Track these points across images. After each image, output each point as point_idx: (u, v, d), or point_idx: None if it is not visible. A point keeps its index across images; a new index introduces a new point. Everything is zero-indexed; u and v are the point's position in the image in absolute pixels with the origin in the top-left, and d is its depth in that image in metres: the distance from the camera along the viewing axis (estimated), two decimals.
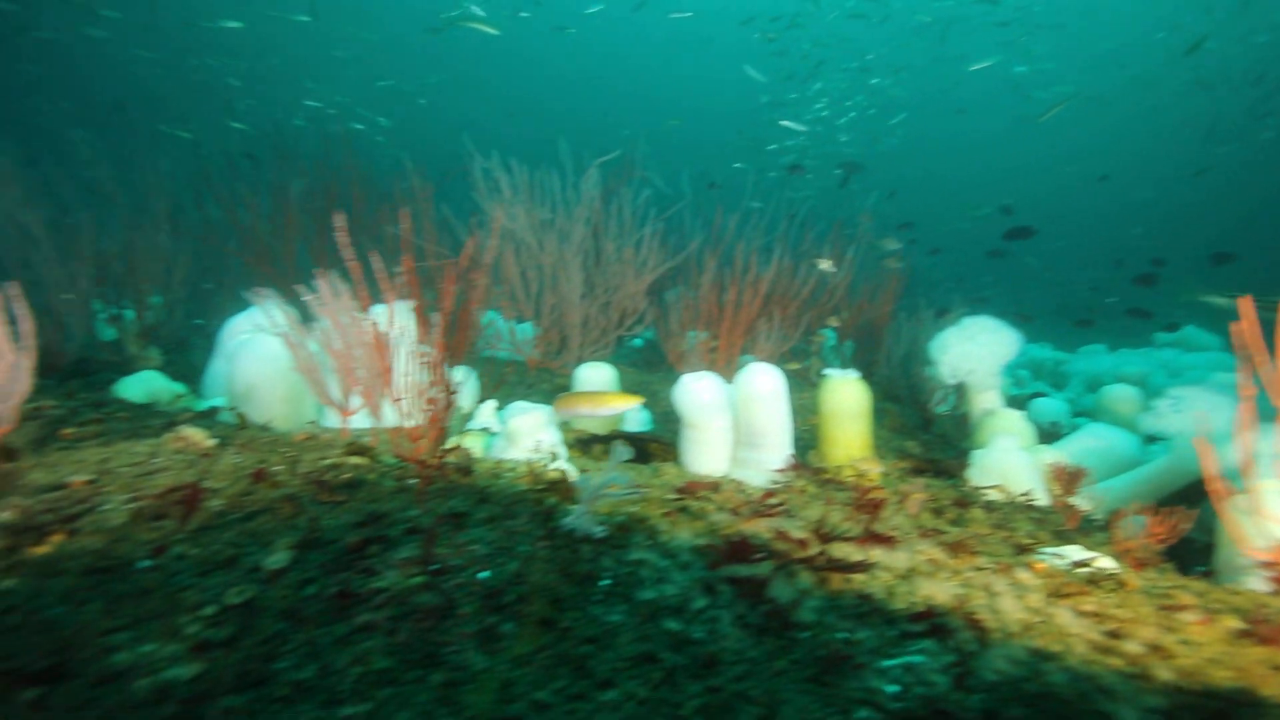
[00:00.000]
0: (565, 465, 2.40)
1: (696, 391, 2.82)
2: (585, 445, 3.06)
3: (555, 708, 0.97)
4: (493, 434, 2.77)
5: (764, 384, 2.77)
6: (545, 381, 4.39)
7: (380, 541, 1.35)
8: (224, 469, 1.74)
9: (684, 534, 1.50)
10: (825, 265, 4.28)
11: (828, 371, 3.10)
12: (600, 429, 3.46)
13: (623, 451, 1.53)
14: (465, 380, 3.39)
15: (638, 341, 6.15)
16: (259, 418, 2.78)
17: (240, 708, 0.95)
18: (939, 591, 1.25)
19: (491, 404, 3.52)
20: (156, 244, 3.40)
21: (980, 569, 1.42)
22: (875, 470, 2.88)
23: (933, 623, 1.12)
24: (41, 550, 1.31)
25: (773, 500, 1.80)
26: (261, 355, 2.91)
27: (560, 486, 1.70)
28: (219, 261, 4.78)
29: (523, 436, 2.58)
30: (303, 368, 2.18)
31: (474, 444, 2.72)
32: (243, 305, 4.86)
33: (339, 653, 1.06)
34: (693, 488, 1.91)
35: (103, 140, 3.14)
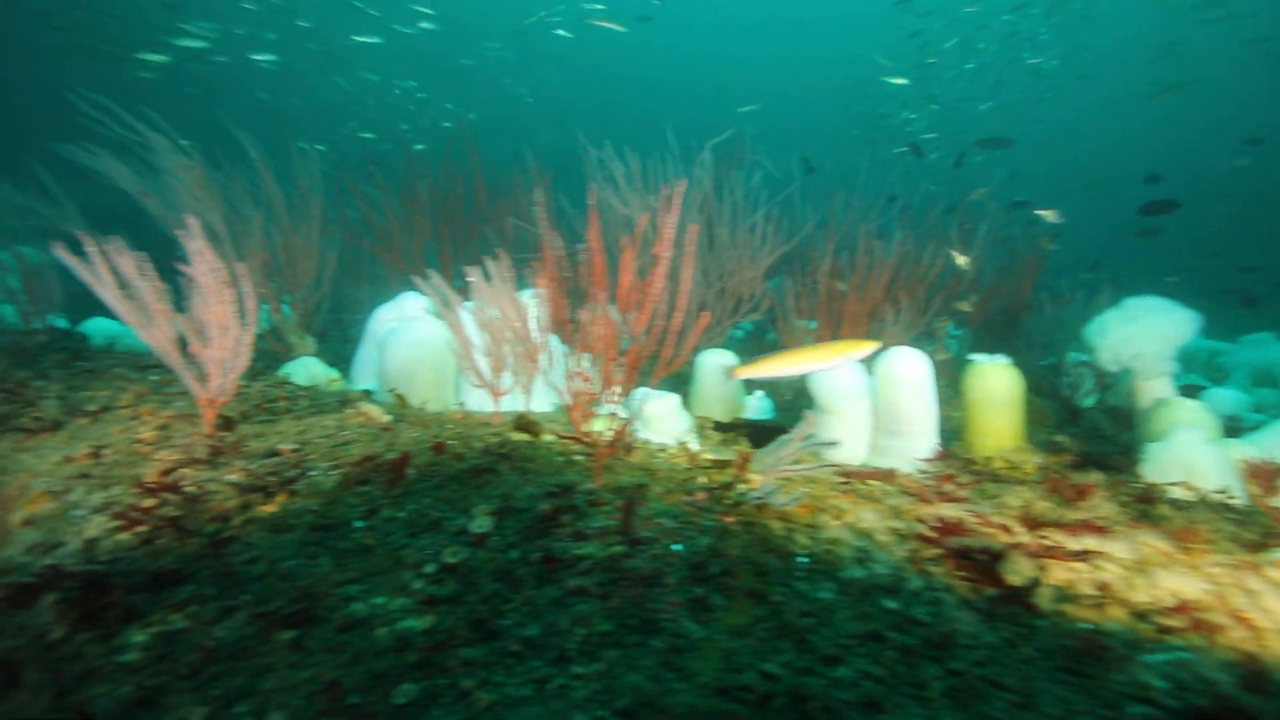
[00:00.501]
0: (700, 448, 2.37)
1: (836, 377, 2.71)
2: (708, 432, 3.03)
3: (783, 680, 0.94)
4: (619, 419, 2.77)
5: (910, 369, 2.63)
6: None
7: (571, 511, 1.37)
8: (405, 442, 1.84)
9: (869, 514, 1.43)
10: (962, 261, 4.02)
11: (975, 357, 2.90)
12: (723, 415, 3.41)
13: (809, 421, 1.49)
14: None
15: (738, 332, 6.05)
16: (411, 399, 2.94)
17: (478, 659, 0.99)
18: (1185, 586, 1.12)
19: (614, 389, 3.54)
20: (310, 243, 3.67)
21: (1220, 565, 1.26)
22: (1031, 462, 2.67)
23: (1193, 618, 1.00)
24: (269, 509, 1.43)
25: (950, 486, 1.70)
26: (413, 341, 3.08)
27: (733, 463, 1.68)
28: (354, 258, 5.12)
29: (658, 421, 2.58)
30: (461, 350, 2.27)
31: (601, 427, 2.75)
32: (379, 297, 5.18)
33: (558, 613, 1.08)
34: (860, 473, 1.83)
35: (263, 149, 3.42)
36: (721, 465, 1.80)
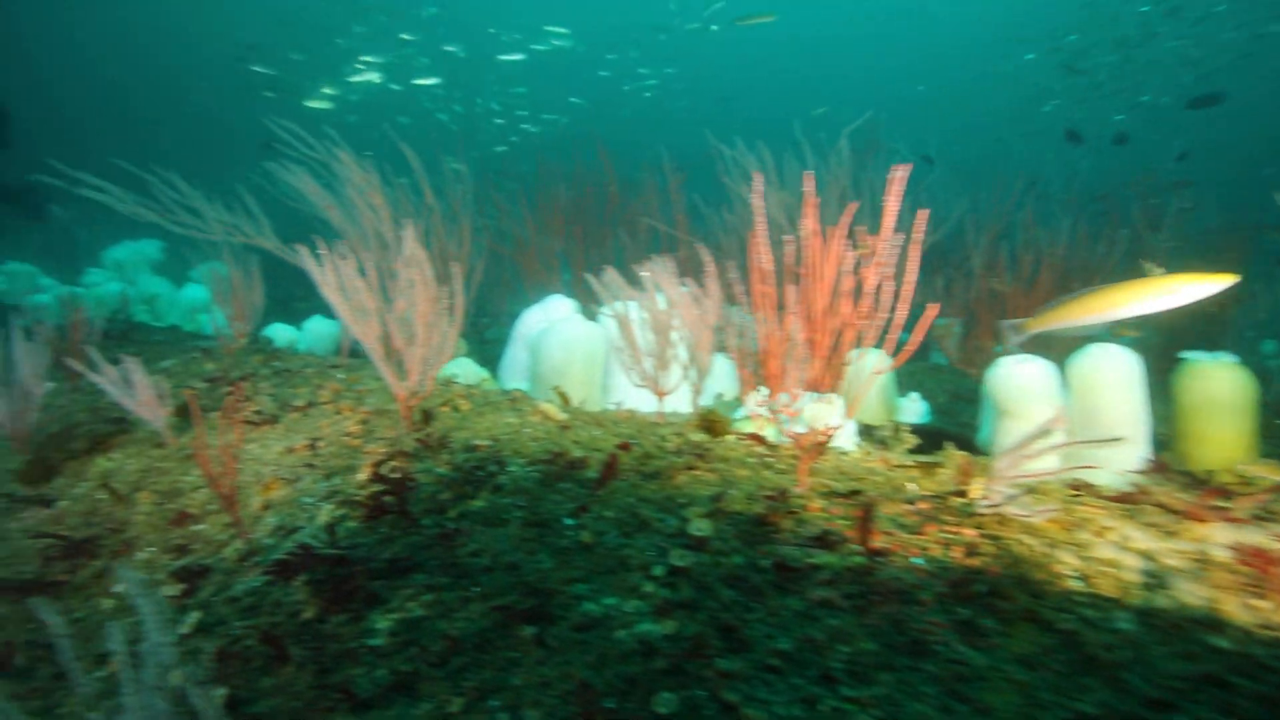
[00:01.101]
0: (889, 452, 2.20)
1: (1020, 376, 2.45)
2: (881, 436, 2.84)
3: None
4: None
5: (1117, 366, 2.33)
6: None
7: (789, 516, 1.29)
8: (587, 439, 1.84)
9: (1135, 533, 1.24)
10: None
11: (1190, 355, 2.53)
12: (876, 419, 3.20)
13: (1050, 417, 1.32)
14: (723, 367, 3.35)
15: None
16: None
17: (736, 672, 0.93)
18: None
19: (763, 391, 3.43)
20: (462, 250, 3.86)
21: None
22: (1273, 478, 2.28)
23: None
24: (478, 503, 1.45)
25: (1218, 502, 1.45)
26: (565, 341, 3.13)
27: (943, 466, 1.53)
28: (490, 264, 5.35)
29: (819, 423, 2.44)
30: (627, 348, 2.26)
31: (769, 432, 2.64)
32: (516, 302, 5.37)
33: (808, 626, 1.00)
34: (1084, 486, 1.61)
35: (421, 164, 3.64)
36: (928, 469, 1.64)
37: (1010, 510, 1.28)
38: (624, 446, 1.72)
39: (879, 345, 1.83)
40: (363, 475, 1.61)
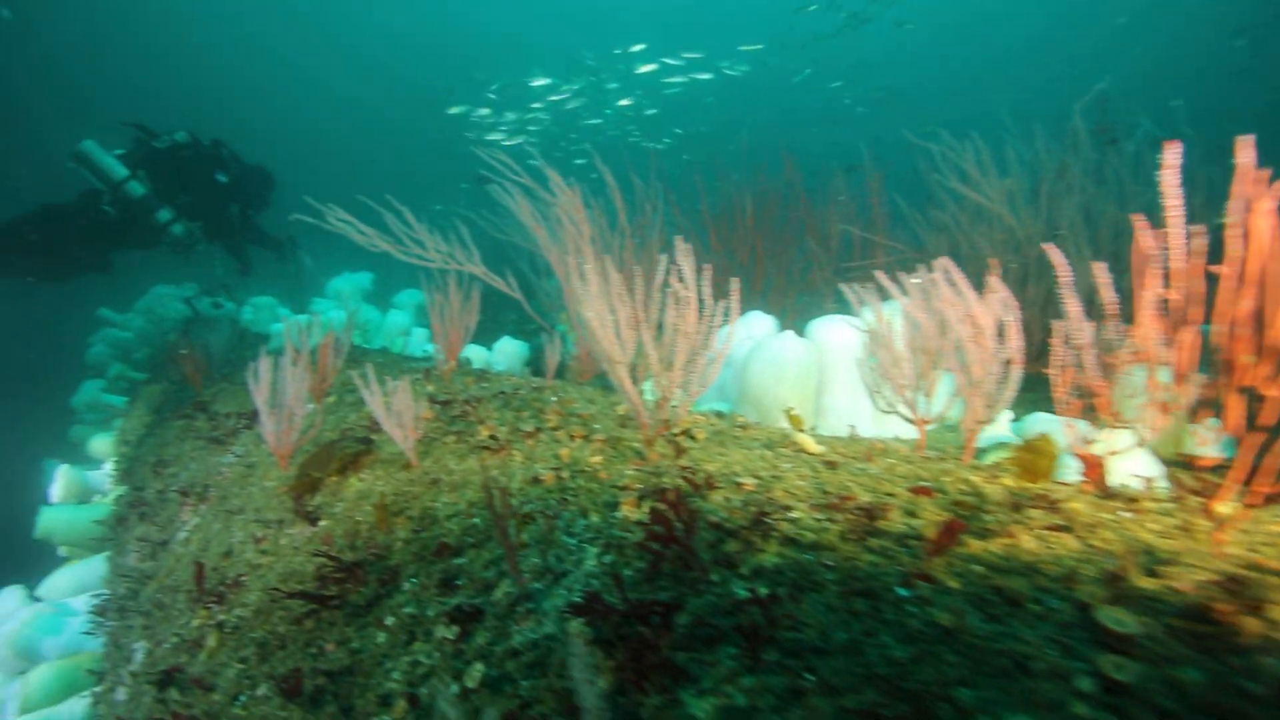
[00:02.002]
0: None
1: None
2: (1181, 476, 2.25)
3: None
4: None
5: None
6: (1035, 389, 3.60)
7: (1250, 608, 0.91)
8: (864, 480, 1.55)
9: None
10: None
11: None
12: (1162, 451, 2.57)
13: None
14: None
15: None
16: (764, 421, 2.72)
17: None
18: None
19: (1006, 415, 2.94)
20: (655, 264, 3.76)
21: None
22: None
23: None
24: (769, 556, 1.23)
25: None
26: (774, 359, 2.88)
27: None
28: None
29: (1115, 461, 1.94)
30: (885, 367, 1.95)
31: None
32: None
33: None
34: None
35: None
36: None
37: None
38: (922, 491, 1.42)
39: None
40: (626, 513, 1.46)
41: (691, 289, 1.53)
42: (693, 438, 1.94)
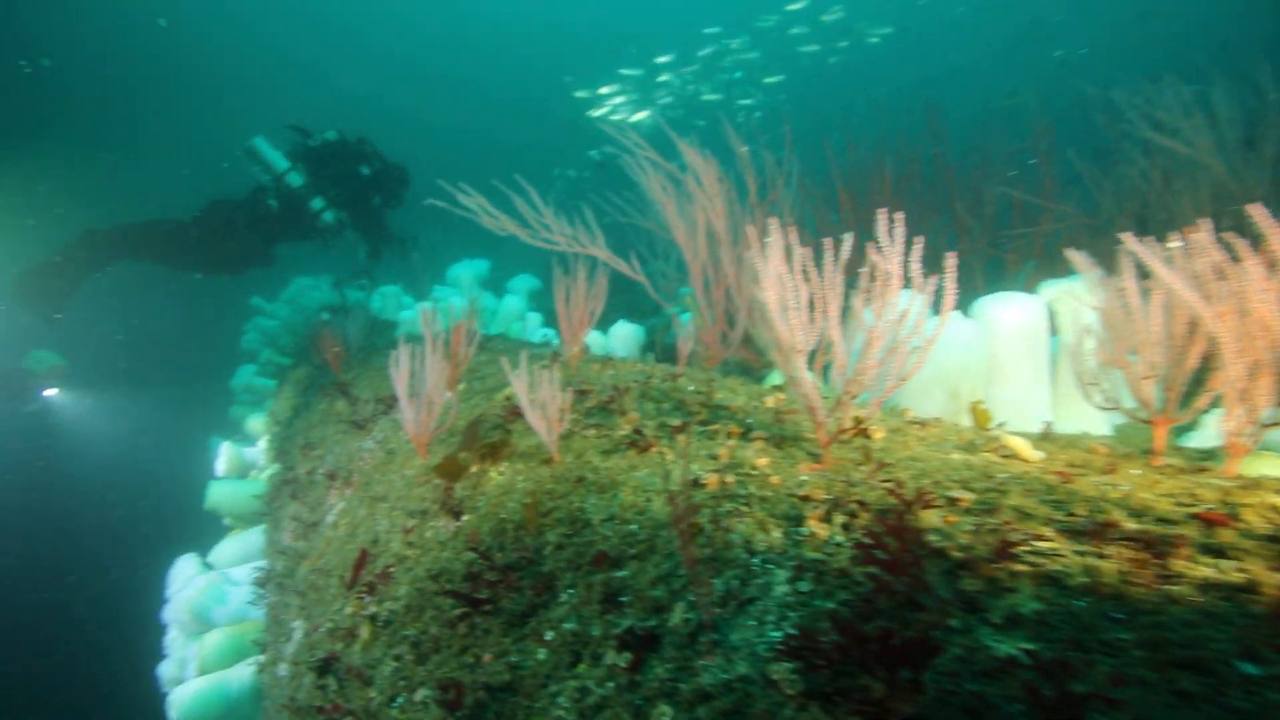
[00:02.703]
0: None
1: None
2: None
3: None
4: None
5: None
6: None
7: None
8: (1115, 497, 1.24)
9: None
10: None
11: None
12: None
13: None
14: None
15: None
16: (918, 413, 2.40)
17: None
18: None
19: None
20: None
21: None
22: None
23: None
24: (1028, 602, 0.97)
25: None
26: (960, 345, 2.54)
27: None
28: None
29: None
30: (1107, 352, 1.59)
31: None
32: None
33: None
34: None
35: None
36: None
37: None
38: (1216, 519, 1.10)
39: None
40: (814, 529, 1.25)
41: (895, 263, 1.27)
42: (869, 437, 1.68)
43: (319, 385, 5.06)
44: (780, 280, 1.34)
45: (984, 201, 3.93)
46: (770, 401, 2.21)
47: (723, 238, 3.11)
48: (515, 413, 2.40)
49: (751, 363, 3.72)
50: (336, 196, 6.88)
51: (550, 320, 6.79)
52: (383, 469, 2.67)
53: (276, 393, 6.44)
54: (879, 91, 4.50)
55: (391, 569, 1.98)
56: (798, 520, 1.30)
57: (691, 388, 2.46)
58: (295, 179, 6.71)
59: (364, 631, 1.84)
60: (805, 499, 1.36)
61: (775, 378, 3.10)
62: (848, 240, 1.39)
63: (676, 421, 2.00)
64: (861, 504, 1.26)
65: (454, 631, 1.56)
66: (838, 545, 1.18)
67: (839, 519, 1.26)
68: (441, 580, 1.75)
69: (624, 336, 4.91)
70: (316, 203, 6.76)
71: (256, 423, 6.48)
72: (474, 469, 2.17)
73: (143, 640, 4.33)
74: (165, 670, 3.42)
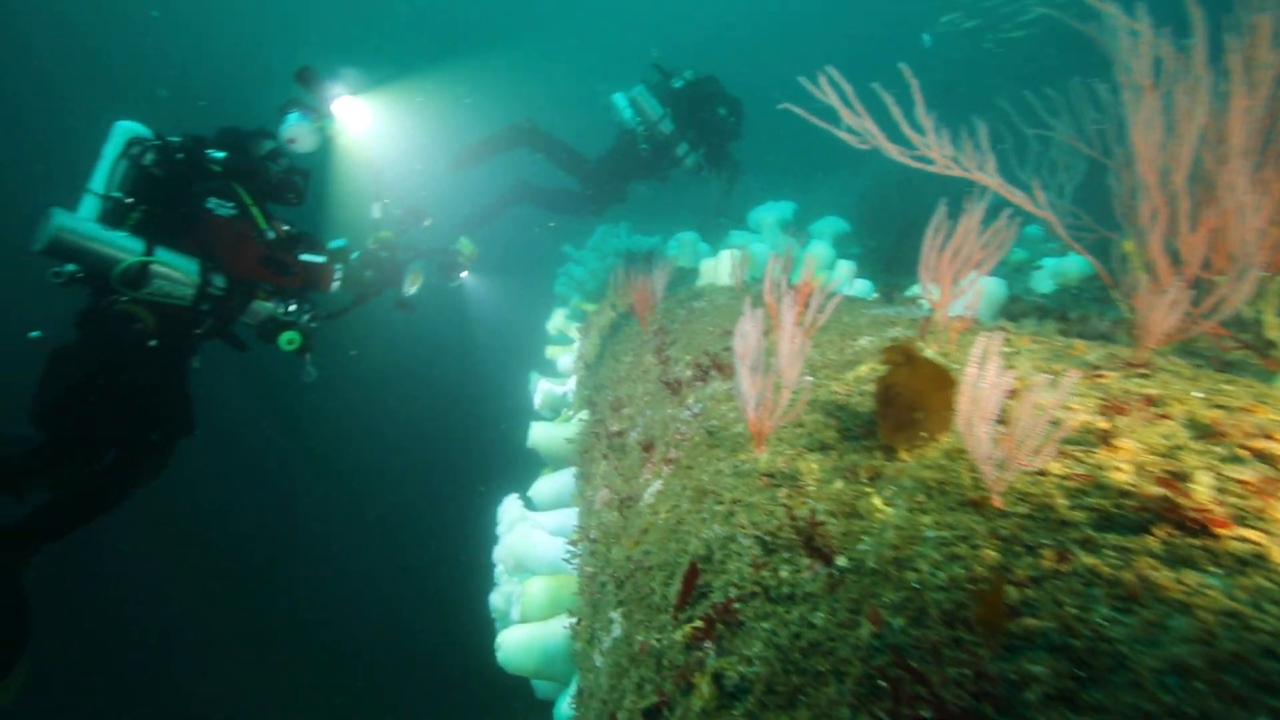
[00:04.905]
0: None
1: None
2: None
3: None
4: None
5: None
6: None
7: None
8: None
9: None
10: None
11: None
12: None
13: None
14: None
15: None
16: None
17: None
18: None
19: None
20: None
21: None
22: None
23: None
24: None
25: None
26: None
27: None
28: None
29: None
30: None
31: None
32: None
33: None
34: None
35: None
36: None
37: None
38: None
39: None
40: None
41: None
42: None
43: (623, 334, 5.02)
44: None
45: None
46: None
47: (1234, 143, 1.92)
48: (889, 404, 1.73)
49: (1232, 352, 2.43)
50: (696, 138, 7.07)
51: (864, 269, 5.85)
52: (706, 453, 2.25)
53: (583, 334, 6.76)
54: None
55: (735, 606, 1.52)
56: None
57: (1198, 395, 1.49)
58: (667, 125, 7.00)
59: (704, 688, 1.41)
60: None
61: None
62: None
63: (1241, 473, 1.12)
64: None
65: None
66: None
67: None
68: (820, 656, 1.20)
69: (982, 292, 3.83)
70: (682, 147, 7.05)
71: (567, 360, 6.90)
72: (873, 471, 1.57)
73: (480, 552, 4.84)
74: (494, 600, 3.63)
